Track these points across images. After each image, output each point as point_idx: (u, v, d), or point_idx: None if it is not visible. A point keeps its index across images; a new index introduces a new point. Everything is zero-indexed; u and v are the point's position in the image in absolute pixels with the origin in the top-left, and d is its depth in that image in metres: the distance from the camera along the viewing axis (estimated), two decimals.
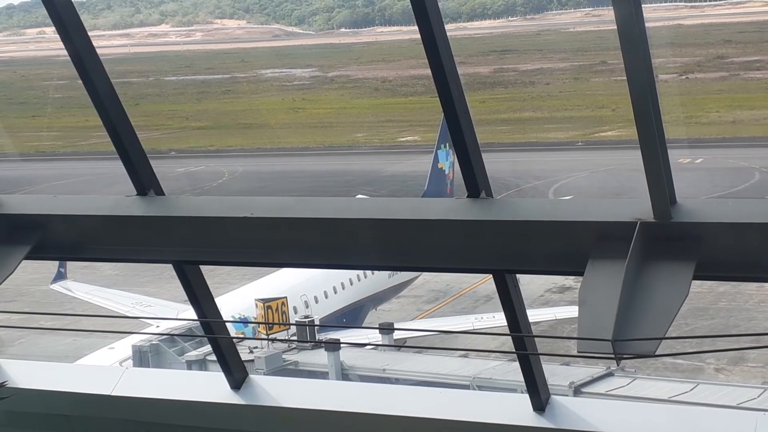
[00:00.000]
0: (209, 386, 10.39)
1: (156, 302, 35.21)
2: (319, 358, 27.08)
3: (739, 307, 35.67)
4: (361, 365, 26.93)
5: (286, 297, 29.00)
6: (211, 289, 9.77)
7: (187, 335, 27.82)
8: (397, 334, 29.32)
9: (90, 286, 37.34)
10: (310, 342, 27.88)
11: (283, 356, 27.14)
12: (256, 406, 9.98)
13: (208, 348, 26.71)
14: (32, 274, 38.06)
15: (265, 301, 28.39)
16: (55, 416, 10.70)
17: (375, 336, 29.79)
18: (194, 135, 65.83)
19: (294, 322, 29.59)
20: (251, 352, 26.42)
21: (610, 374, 23.67)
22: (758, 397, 21.63)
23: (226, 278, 36.12)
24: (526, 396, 9.01)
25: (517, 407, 9.17)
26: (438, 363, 26.14)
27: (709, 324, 33.15)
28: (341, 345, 26.70)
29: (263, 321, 28.14)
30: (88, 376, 12.14)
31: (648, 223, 7.20)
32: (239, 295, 31.32)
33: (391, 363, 26.83)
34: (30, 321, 28.41)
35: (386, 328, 28.17)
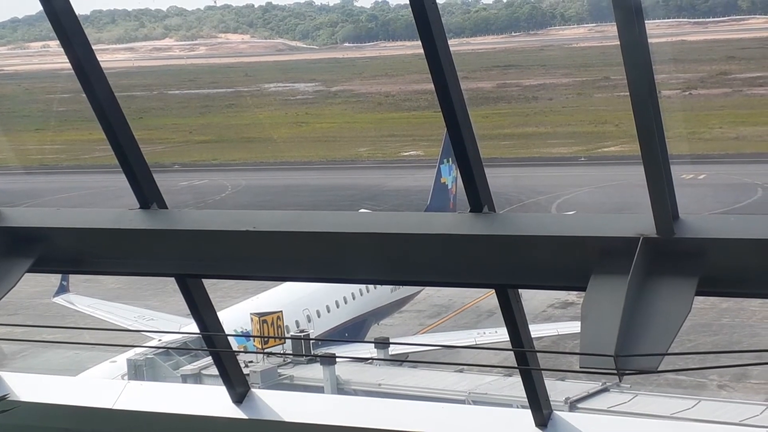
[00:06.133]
0: (211, 400, 10.37)
1: (158, 316, 35.18)
2: (314, 372, 27.04)
3: (742, 324, 35.59)
4: (357, 380, 26.89)
5: (281, 311, 28.97)
6: (213, 303, 9.77)
7: (183, 348, 27.78)
8: (399, 349, 29.25)
9: (92, 300, 37.33)
10: (307, 356, 27.85)
11: (279, 371, 27.11)
12: (259, 420, 9.96)
13: (203, 362, 26.72)
14: (35, 287, 38.04)
15: (260, 315, 28.35)
16: (57, 430, 10.69)
17: (372, 350, 29.74)
18: (197, 149, 65.93)
19: (290, 336, 29.55)
20: (246, 366, 26.35)
21: (605, 389, 23.67)
22: (761, 414, 21.59)
23: (228, 292, 36.11)
24: (528, 411, 8.99)
25: (519, 423, 9.15)
26: (433, 378, 26.09)
27: (712, 340, 33.06)
28: (337, 359, 26.65)
29: (264, 335, 28.11)
30: (90, 389, 12.14)
31: (651, 238, 7.20)
32: (241, 309, 31.28)
33: (387, 378, 26.79)
34: (32, 334, 28.34)
35: (382, 343, 28.12)
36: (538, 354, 9.20)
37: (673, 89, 59.30)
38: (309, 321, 32.83)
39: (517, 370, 10.83)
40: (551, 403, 9.09)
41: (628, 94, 6.90)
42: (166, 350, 28.00)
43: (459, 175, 8.18)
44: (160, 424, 10.34)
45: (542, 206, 47.71)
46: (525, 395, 8.90)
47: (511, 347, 8.51)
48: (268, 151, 65.16)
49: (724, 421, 20.45)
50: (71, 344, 32.51)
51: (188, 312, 9.74)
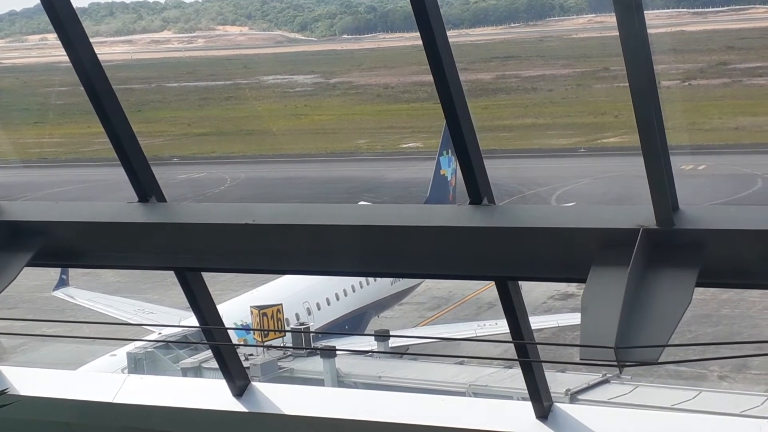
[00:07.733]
0: (211, 393, 10.37)
1: (158, 309, 35.20)
2: (314, 365, 27.02)
3: (742, 315, 35.59)
4: (357, 373, 26.86)
5: (281, 304, 28.96)
6: (212, 296, 9.76)
7: (183, 342, 27.81)
8: (399, 342, 29.25)
9: (92, 293, 37.34)
10: (307, 349, 27.83)
11: (279, 364, 27.10)
12: (259, 413, 9.96)
13: (203, 355, 26.72)
14: (34, 281, 38.07)
15: (260, 308, 28.34)
16: (57, 424, 10.69)
17: (372, 343, 29.73)
18: (196, 141, 65.87)
19: (290, 329, 29.56)
20: (246, 359, 26.33)
21: (606, 381, 23.62)
22: (761, 404, 21.57)
23: (228, 285, 36.11)
24: (529, 403, 8.99)
25: (520, 415, 9.15)
26: (434, 370, 26.06)
27: (712, 331, 33.07)
28: (337, 352, 26.63)
29: (264, 328, 28.10)
30: (90, 383, 12.14)
31: (651, 229, 7.18)
32: (241, 303, 31.29)
33: (387, 370, 26.75)
34: (32, 328, 28.40)
35: (382, 335, 28.10)
36: (539, 346, 9.20)
37: (673, 80, 59.22)
38: (309, 314, 32.82)
39: (518, 362, 10.83)
40: (551, 394, 9.09)
41: (627, 84, 6.88)
42: (166, 344, 28.02)
43: (458, 166, 8.16)
44: (160, 417, 10.34)
45: (542, 198, 47.69)
46: (525, 387, 8.91)
47: (511, 339, 8.51)
48: (267, 143, 65.11)
49: (724, 412, 20.44)
50: (71, 338, 32.52)
51: (188, 305, 9.73)
